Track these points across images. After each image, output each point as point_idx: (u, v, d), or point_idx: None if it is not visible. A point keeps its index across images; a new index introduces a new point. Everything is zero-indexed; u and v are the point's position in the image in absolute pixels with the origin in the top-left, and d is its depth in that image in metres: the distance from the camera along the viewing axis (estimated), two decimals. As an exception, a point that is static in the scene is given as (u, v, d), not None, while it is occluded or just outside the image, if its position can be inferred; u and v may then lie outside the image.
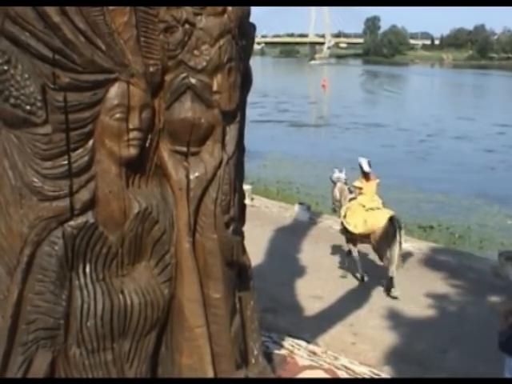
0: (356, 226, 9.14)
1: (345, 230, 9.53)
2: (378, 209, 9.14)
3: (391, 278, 8.76)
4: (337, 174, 9.98)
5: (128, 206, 3.07)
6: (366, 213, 9.03)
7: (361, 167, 9.37)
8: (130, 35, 2.91)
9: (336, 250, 10.63)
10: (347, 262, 9.70)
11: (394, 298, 8.68)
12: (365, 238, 9.18)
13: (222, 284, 3.44)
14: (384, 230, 8.75)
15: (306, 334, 6.77)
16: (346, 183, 9.82)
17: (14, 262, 2.90)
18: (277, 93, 50.21)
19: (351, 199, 9.48)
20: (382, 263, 9.04)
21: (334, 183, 9.95)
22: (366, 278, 9.34)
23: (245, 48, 3.45)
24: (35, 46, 2.72)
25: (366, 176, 9.32)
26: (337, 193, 9.84)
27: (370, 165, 9.31)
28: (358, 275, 9.42)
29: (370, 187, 9.27)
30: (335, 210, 10.17)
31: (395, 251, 8.70)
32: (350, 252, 9.63)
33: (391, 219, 8.77)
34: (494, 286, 9.25)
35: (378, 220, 8.89)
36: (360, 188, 9.34)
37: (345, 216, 9.42)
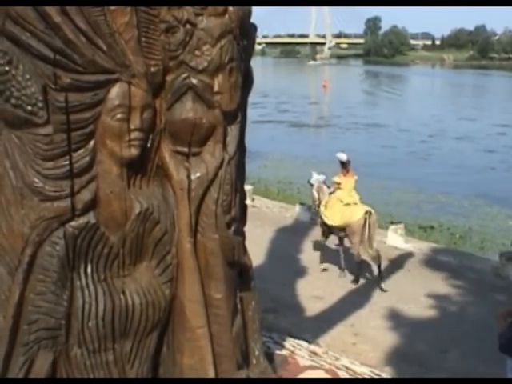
0: (334, 220, 9.51)
1: (323, 223, 9.91)
2: (355, 204, 9.47)
3: (378, 271, 9.22)
4: (315, 177, 10.34)
5: (129, 206, 3.07)
6: (344, 207, 9.39)
7: (339, 160, 9.70)
8: (131, 35, 2.91)
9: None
10: (342, 261, 9.75)
11: (382, 288, 9.03)
12: (341, 231, 9.58)
13: (223, 284, 3.44)
14: (359, 224, 9.15)
15: (306, 335, 6.77)
16: (324, 182, 10.19)
17: (16, 262, 2.91)
18: (277, 93, 50.22)
19: (330, 193, 9.84)
20: (354, 252, 9.45)
21: (312, 185, 10.31)
22: (325, 268, 9.81)
23: (246, 48, 3.45)
24: (36, 46, 2.72)
25: (344, 169, 9.65)
26: (315, 194, 10.18)
27: (349, 161, 9.64)
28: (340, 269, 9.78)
29: (348, 183, 9.59)
30: (315, 210, 10.54)
31: (369, 244, 9.18)
32: (339, 243, 9.92)
33: (366, 213, 9.18)
34: (494, 286, 9.24)
35: (353, 214, 9.26)
36: (338, 183, 9.68)
37: (323, 209, 9.80)
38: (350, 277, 9.46)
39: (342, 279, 9.49)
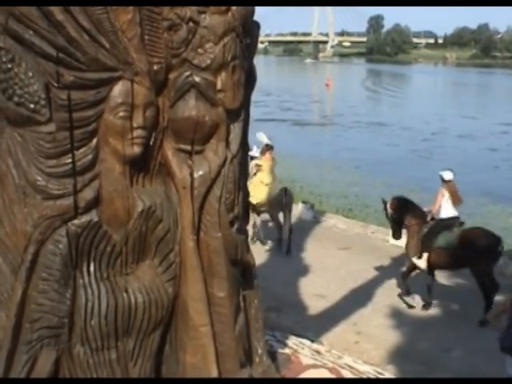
0: (258, 199, 10.52)
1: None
2: (274, 183, 10.79)
3: (287, 239, 10.59)
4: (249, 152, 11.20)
5: (132, 204, 3.07)
6: (264, 187, 10.65)
7: (261, 142, 10.93)
8: (134, 33, 2.90)
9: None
10: (257, 233, 11.01)
11: (289, 253, 10.52)
12: (263, 206, 10.76)
13: (226, 283, 3.43)
14: (277, 199, 10.56)
15: (309, 333, 6.76)
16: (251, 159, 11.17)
17: (18, 260, 2.91)
18: (280, 91, 50.13)
19: (254, 174, 10.81)
20: (275, 225, 10.80)
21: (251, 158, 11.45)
22: (267, 245, 10.98)
23: (249, 46, 3.44)
24: (39, 44, 2.72)
25: (264, 152, 10.86)
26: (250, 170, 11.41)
27: (269, 145, 10.89)
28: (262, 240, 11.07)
29: (267, 166, 10.74)
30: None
31: (287, 216, 10.65)
32: (254, 223, 11.03)
33: (283, 190, 10.61)
34: (498, 285, 9.21)
35: (272, 191, 10.62)
36: (259, 165, 10.79)
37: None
38: (353, 275, 9.45)
39: (342, 278, 9.45)
